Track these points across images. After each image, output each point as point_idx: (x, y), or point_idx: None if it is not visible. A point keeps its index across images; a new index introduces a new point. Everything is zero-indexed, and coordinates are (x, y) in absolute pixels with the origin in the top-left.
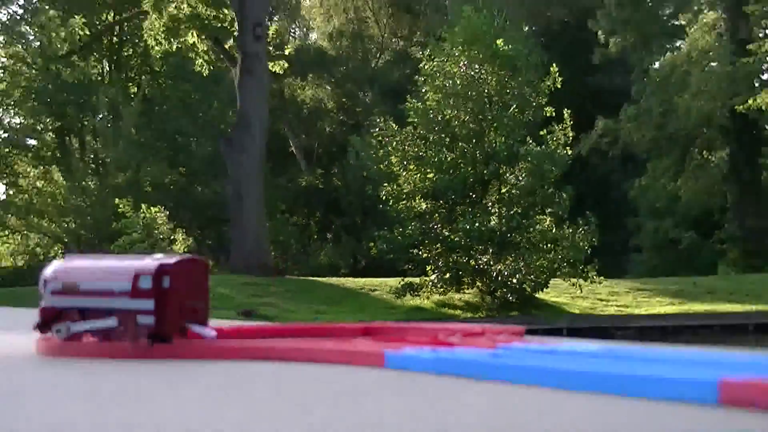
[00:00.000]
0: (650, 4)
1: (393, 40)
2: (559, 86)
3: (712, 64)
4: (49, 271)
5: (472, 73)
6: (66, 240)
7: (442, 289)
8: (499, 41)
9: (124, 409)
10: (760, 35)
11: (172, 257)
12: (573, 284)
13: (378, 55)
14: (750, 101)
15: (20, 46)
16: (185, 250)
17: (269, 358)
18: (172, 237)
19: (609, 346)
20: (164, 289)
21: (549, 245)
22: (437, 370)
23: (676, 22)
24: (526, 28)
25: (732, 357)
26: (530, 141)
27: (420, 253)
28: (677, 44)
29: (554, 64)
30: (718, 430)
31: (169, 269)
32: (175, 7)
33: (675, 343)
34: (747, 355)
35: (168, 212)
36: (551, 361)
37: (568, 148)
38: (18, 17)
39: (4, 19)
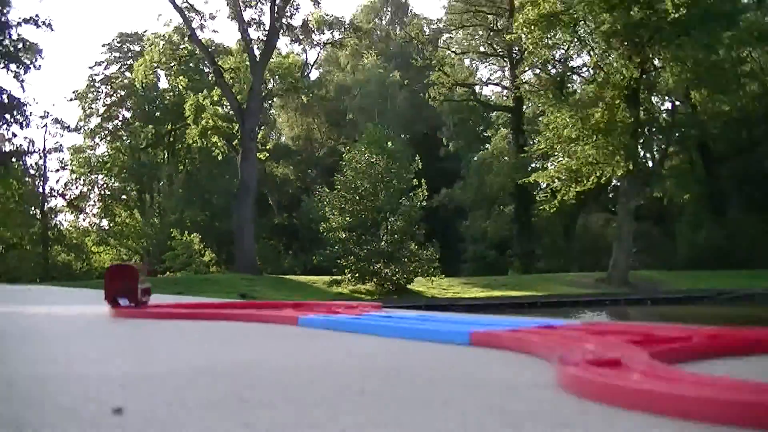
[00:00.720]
0: (470, 123)
1: (328, 140)
2: (419, 167)
3: (505, 158)
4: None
5: (372, 160)
6: (141, 253)
7: (353, 283)
8: (388, 143)
9: (227, 346)
10: (531, 143)
11: (122, 264)
12: (428, 280)
13: (320, 149)
14: (526, 179)
15: (119, 143)
16: (210, 260)
17: (216, 318)
18: (203, 252)
19: (421, 313)
20: (106, 281)
21: (414, 258)
22: (326, 326)
23: (486, 134)
24: (402, 135)
25: (483, 319)
26: (403, 199)
27: (341, 262)
28: (486, 146)
29: (418, 156)
30: (468, 356)
31: (108, 269)
32: (205, 121)
33: (482, 313)
34: (492, 317)
35: (200, 238)
36: (384, 321)
37: (424, 203)
38: (119, 124)
39: (111, 127)
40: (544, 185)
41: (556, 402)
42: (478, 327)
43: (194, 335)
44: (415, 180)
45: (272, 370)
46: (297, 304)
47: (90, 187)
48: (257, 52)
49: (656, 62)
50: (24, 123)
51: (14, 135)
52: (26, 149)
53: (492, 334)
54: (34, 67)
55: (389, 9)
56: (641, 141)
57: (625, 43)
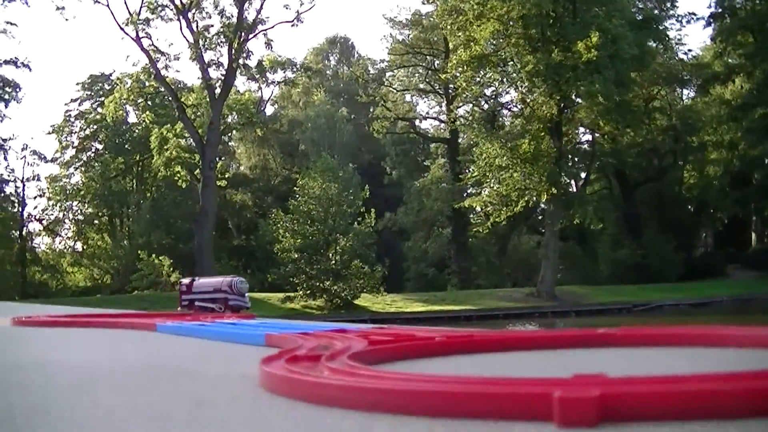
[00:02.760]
0: (412, 153)
1: (282, 169)
2: (366, 195)
3: (443, 184)
4: (183, 282)
5: (324, 187)
6: (111, 273)
7: (305, 299)
8: (340, 172)
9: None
10: (465, 171)
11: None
12: (373, 295)
13: (275, 178)
14: (461, 203)
15: (91, 172)
16: (175, 280)
17: (90, 326)
18: (170, 273)
19: (272, 320)
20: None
21: (361, 276)
22: (176, 332)
23: (425, 163)
24: (350, 165)
25: (281, 323)
26: (353, 223)
27: (293, 280)
28: (426, 174)
29: (367, 186)
30: (258, 353)
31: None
32: (169, 153)
33: (421, 325)
34: (293, 323)
35: (171, 261)
36: (212, 327)
37: (372, 227)
38: (92, 155)
39: (85, 158)
40: (478, 209)
41: (242, 390)
42: (273, 330)
43: (59, 338)
44: (363, 206)
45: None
46: (167, 314)
47: (65, 213)
48: (217, 90)
49: (574, 97)
50: (4, 155)
51: None
52: (6, 178)
53: (282, 336)
54: (16, 101)
55: (337, 50)
56: (564, 169)
57: (547, 82)
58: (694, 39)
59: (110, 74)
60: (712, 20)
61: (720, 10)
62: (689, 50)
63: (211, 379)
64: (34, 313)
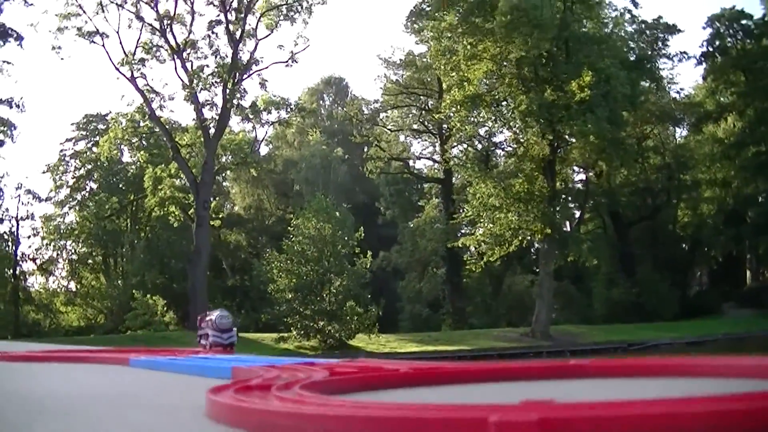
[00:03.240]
0: (406, 193)
1: (277, 209)
2: (362, 236)
3: (437, 224)
4: (202, 319)
5: (318, 227)
6: (105, 312)
7: (299, 340)
8: (337, 213)
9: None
10: (459, 211)
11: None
12: (368, 336)
13: (270, 218)
14: (455, 243)
15: (86, 212)
16: (170, 320)
17: (64, 360)
18: (164, 313)
19: (248, 355)
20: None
21: (356, 316)
22: (148, 366)
23: (419, 203)
24: (344, 205)
25: (253, 358)
26: (348, 263)
27: (287, 320)
28: (420, 214)
29: (362, 227)
30: (181, 385)
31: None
32: (163, 192)
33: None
34: (262, 357)
35: (165, 302)
36: (182, 361)
37: (367, 267)
38: (86, 195)
39: (79, 197)
40: (472, 248)
41: (189, 419)
42: (244, 364)
43: (27, 372)
44: (357, 247)
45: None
46: (146, 350)
47: (59, 252)
48: (211, 130)
49: (567, 137)
50: None
51: None
52: (0, 217)
53: (248, 369)
54: (11, 140)
55: (332, 90)
56: (558, 208)
57: (540, 121)
58: (686, 78)
59: (105, 114)
60: (703, 59)
61: (711, 50)
62: (681, 89)
63: (161, 409)
64: (21, 350)
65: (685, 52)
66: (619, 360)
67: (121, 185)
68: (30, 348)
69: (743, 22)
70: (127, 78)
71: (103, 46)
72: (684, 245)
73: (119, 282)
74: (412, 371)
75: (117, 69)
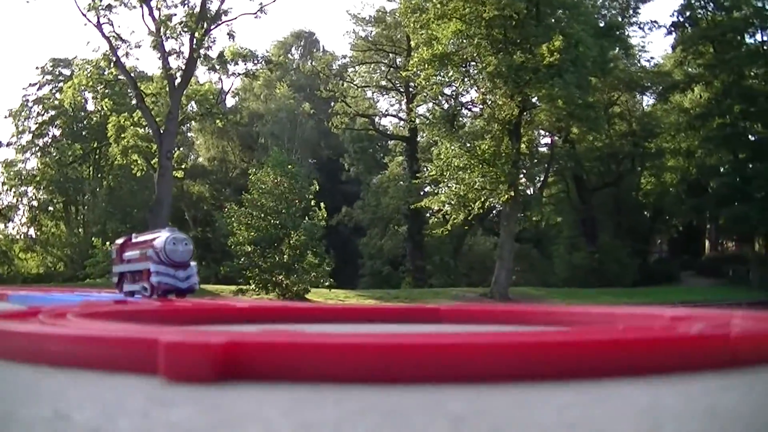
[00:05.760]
0: (371, 150)
1: (241, 162)
2: (320, 189)
3: (401, 182)
4: (126, 246)
5: (276, 181)
6: (65, 260)
7: (257, 293)
8: (290, 166)
9: None
10: (423, 170)
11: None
12: (327, 291)
13: (234, 170)
14: (418, 204)
15: (48, 158)
16: None
17: None
18: None
19: (112, 294)
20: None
21: (310, 270)
22: (20, 302)
23: (384, 161)
24: (310, 160)
25: (105, 295)
26: (305, 218)
27: (247, 273)
28: (384, 172)
29: (317, 178)
30: None
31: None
32: (126, 141)
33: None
34: (73, 294)
35: None
36: (66, 296)
37: (324, 221)
38: (49, 141)
39: (41, 144)
40: (436, 209)
41: None
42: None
43: None
44: (313, 201)
45: None
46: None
47: (19, 198)
48: (177, 80)
49: (534, 100)
50: None
51: None
52: None
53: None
54: None
55: (301, 45)
56: (523, 171)
57: (509, 83)
58: (656, 47)
59: (71, 60)
60: (673, 29)
61: (681, 20)
62: (651, 58)
63: None
64: None
65: (655, 21)
66: (474, 306)
67: (84, 133)
68: None
69: None
70: (93, 24)
71: None
72: (646, 213)
73: (80, 230)
74: (247, 309)
75: (83, 14)
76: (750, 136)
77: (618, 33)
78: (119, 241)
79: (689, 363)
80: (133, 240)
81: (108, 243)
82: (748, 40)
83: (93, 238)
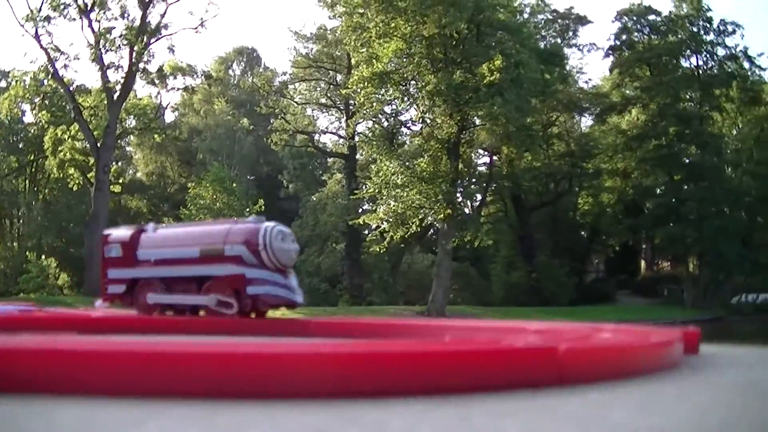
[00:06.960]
0: (310, 167)
1: (180, 177)
2: (262, 208)
3: (339, 200)
4: (112, 236)
5: (215, 197)
6: None
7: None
8: (233, 183)
9: None
10: (362, 187)
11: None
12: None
13: (172, 185)
14: (356, 220)
15: None
16: (63, 283)
17: None
18: (57, 276)
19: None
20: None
21: None
22: None
23: (323, 178)
24: (248, 177)
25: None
26: None
27: None
28: (322, 189)
29: (255, 194)
30: None
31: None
32: (63, 154)
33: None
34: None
35: (57, 263)
36: None
37: None
38: None
39: None
40: (374, 227)
41: None
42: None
43: None
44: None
45: None
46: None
47: None
48: (116, 94)
49: (475, 120)
50: None
51: None
52: None
53: None
54: None
55: (243, 60)
56: (460, 189)
57: (448, 102)
58: (594, 69)
59: (8, 71)
60: (611, 52)
61: (619, 43)
62: (589, 79)
63: None
64: None
65: (594, 44)
66: (340, 320)
67: (20, 145)
68: None
69: (650, 17)
70: (31, 35)
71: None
72: (583, 233)
73: (14, 244)
74: (96, 320)
75: (21, 25)
76: (684, 158)
77: (558, 56)
78: (124, 232)
79: (505, 378)
80: (158, 231)
81: (43, 257)
82: (684, 63)
83: (27, 253)
